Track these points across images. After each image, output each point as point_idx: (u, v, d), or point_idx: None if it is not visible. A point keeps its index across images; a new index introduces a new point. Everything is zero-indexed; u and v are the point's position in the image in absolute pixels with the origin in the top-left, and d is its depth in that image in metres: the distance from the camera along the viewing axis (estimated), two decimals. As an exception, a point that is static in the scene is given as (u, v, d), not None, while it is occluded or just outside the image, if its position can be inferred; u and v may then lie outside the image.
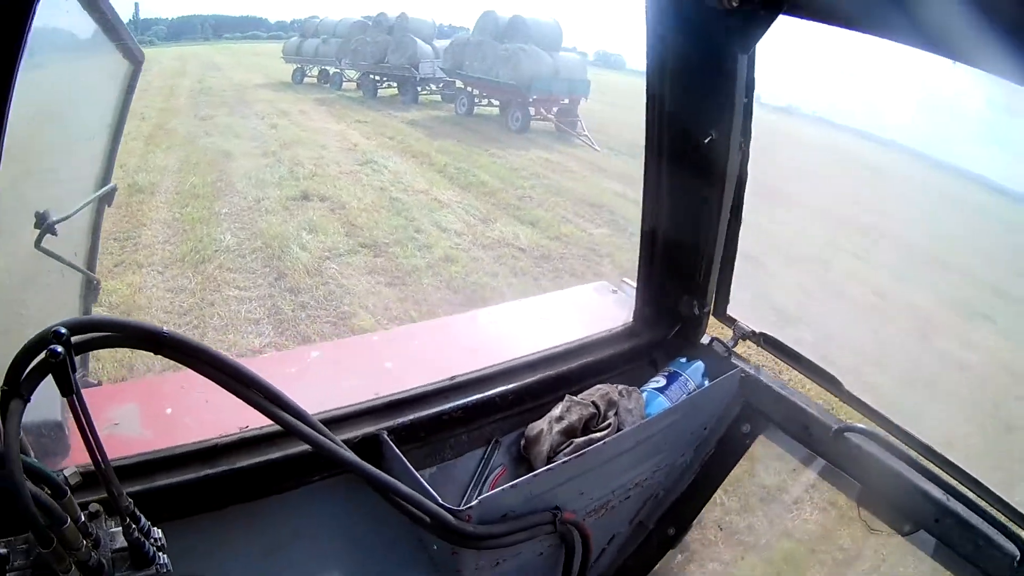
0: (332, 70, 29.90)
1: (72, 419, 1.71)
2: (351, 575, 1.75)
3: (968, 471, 1.74)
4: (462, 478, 1.88)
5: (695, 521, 2.37)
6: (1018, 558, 1.64)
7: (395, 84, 26.61)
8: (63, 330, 1.09)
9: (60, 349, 1.07)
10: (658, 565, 2.38)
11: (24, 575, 1.15)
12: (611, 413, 1.93)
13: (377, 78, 27.16)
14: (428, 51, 25.74)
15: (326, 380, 1.99)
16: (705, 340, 2.26)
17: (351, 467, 1.47)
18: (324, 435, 1.46)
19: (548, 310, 2.56)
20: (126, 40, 2.09)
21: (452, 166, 15.22)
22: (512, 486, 1.66)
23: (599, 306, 2.51)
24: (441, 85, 25.70)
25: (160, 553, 1.25)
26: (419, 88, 25.93)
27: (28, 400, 1.13)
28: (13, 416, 1.09)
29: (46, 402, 1.56)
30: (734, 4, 1.64)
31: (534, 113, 21.51)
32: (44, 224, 1.77)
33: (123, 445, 1.66)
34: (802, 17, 1.68)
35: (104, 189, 2.18)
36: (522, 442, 1.94)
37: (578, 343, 2.17)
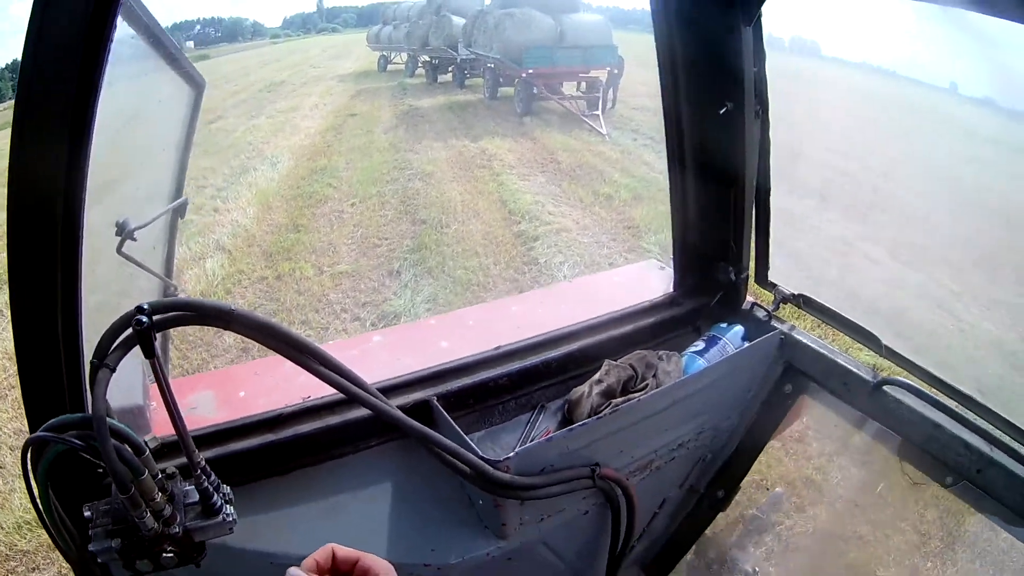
0: (406, 57, 29.69)
1: (153, 405, 2.00)
2: (404, 532, 1.90)
3: (1012, 420, 1.78)
4: (509, 441, 2.06)
5: (742, 482, 2.50)
6: None
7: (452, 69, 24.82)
8: (146, 306, 1.28)
9: (145, 319, 1.27)
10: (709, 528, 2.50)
11: (105, 528, 1.35)
12: (650, 375, 2.10)
13: (434, 62, 26.02)
14: (467, 31, 22.90)
15: (386, 361, 2.19)
16: (747, 306, 2.39)
17: (399, 424, 1.66)
18: (377, 398, 1.66)
19: (596, 288, 2.71)
20: (187, 69, 2.38)
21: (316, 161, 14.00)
22: (548, 439, 1.84)
23: (647, 282, 2.65)
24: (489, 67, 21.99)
25: (227, 505, 1.43)
26: (465, 71, 23.58)
27: (114, 371, 1.33)
28: (100, 384, 1.30)
29: (132, 390, 1.83)
30: None
31: (537, 92, 18.22)
32: (124, 231, 2.01)
33: (200, 425, 1.91)
34: None
35: (177, 202, 2.46)
36: (566, 406, 2.11)
37: (620, 313, 2.33)
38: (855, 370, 2.09)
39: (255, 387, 2.16)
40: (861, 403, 2.07)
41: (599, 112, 17.03)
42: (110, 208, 2.00)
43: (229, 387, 2.20)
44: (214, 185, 12.60)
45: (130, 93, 2.09)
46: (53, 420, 1.34)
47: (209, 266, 8.64)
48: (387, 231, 9.82)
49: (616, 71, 18.18)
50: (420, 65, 28.20)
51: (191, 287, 8.00)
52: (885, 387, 1.99)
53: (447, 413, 1.88)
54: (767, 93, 2.05)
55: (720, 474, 2.44)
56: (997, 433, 1.80)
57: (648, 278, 2.67)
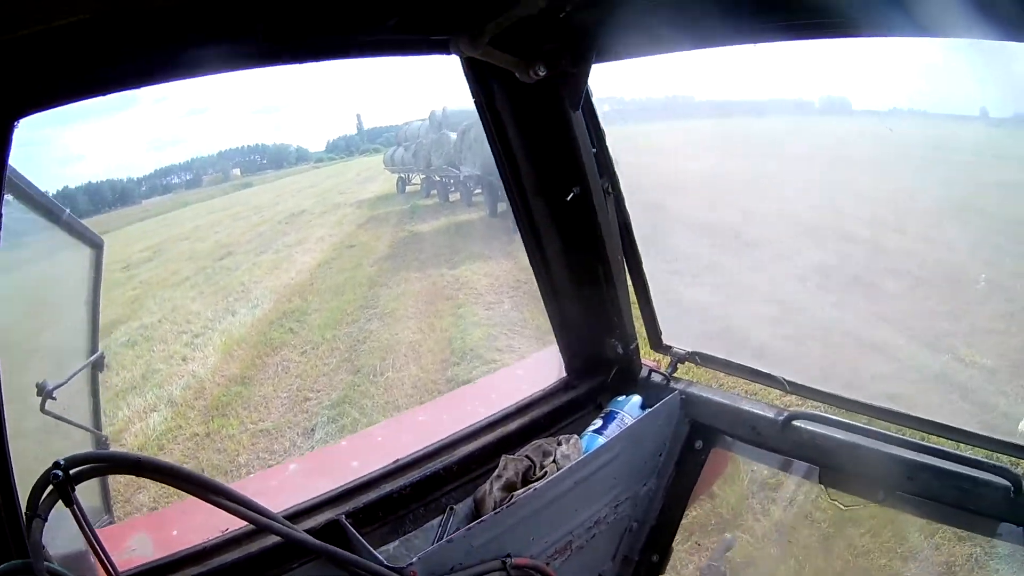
0: (421, 177, 28.98)
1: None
2: None
3: (935, 420, 1.84)
4: (424, 546, 2.10)
5: (674, 543, 2.54)
6: (1013, 488, 1.67)
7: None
8: (62, 461, 1.47)
9: (60, 473, 1.45)
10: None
11: None
12: (548, 461, 2.19)
13: (444, 180, 25.16)
14: (470, 148, 22.45)
15: (302, 487, 2.30)
16: (645, 374, 2.48)
17: (305, 545, 1.79)
18: (282, 524, 1.78)
19: (500, 385, 2.81)
20: (80, 231, 2.58)
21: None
22: (449, 540, 1.93)
23: (550, 370, 2.70)
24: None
25: None
26: (470, 188, 22.47)
27: (45, 520, 1.48)
28: (35, 532, 1.46)
29: (77, 534, 1.95)
30: (541, 74, 1.83)
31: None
32: (44, 391, 2.19)
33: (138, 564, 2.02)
34: (618, 59, 1.91)
35: (93, 357, 2.62)
36: (473, 506, 2.20)
37: (515, 406, 2.42)
38: (761, 412, 2.16)
39: (187, 525, 2.29)
40: (774, 443, 2.14)
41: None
42: (31, 371, 2.16)
43: (163, 528, 2.35)
44: (192, 331, 12.96)
45: (30, 264, 2.27)
46: None
47: (153, 421, 8.96)
48: (322, 383, 9.81)
49: None
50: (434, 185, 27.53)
51: (130, 441, 8.32)
52: (794, 422, 2.06)
53: (357, 529, 1.97)
54: (615, 169, 2.17)
55: (650, 539, 2.48)
56: (919, 437, 1.85)
57: (551, 365, 2.73)
